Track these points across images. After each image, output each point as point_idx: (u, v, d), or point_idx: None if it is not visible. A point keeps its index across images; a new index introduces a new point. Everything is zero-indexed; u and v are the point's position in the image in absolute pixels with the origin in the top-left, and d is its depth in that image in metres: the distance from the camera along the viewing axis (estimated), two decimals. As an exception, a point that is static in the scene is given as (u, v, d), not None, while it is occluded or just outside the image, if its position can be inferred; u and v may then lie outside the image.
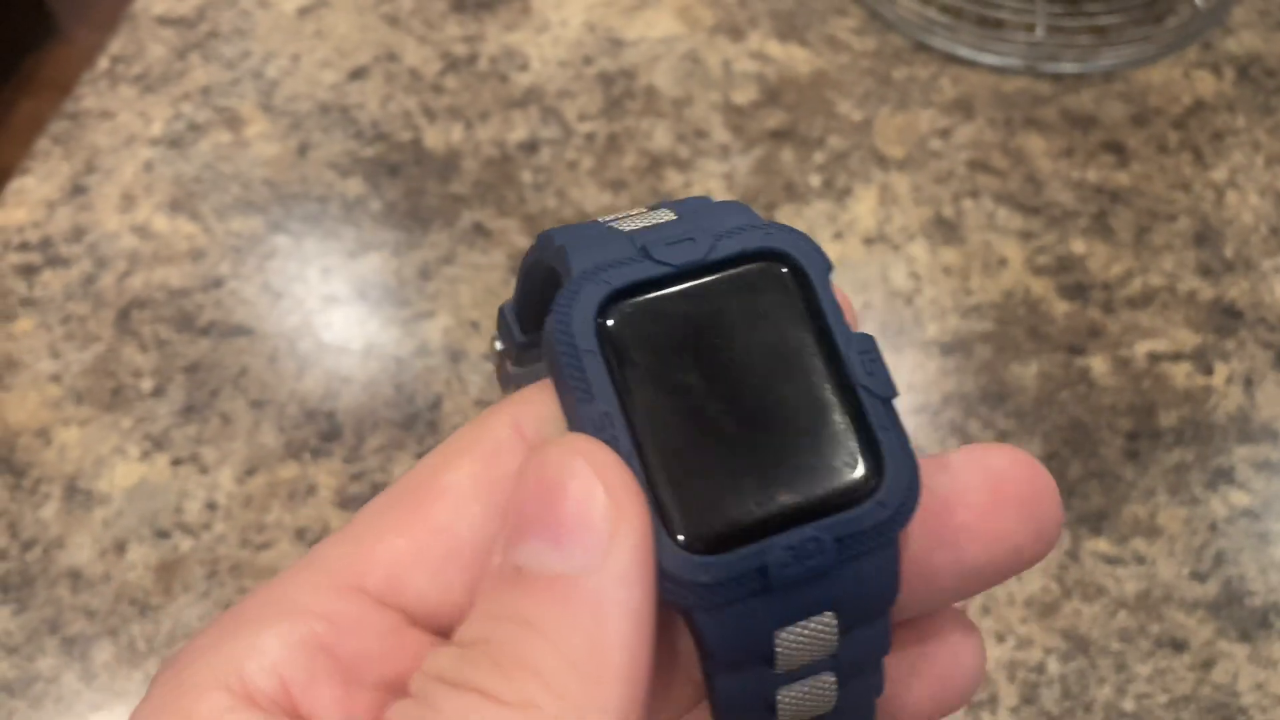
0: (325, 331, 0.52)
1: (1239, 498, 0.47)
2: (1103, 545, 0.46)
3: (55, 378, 0.51)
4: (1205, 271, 0.53)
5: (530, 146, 0.58)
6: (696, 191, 0.56)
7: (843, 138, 0.58)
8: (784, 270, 0.19)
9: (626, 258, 0.17)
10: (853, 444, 0.18)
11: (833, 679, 0.18)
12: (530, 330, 0.22)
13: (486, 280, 0.53)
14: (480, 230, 0.55)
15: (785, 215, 0.55)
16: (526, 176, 0.57)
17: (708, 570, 0.16)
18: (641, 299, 0.17)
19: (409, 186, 0.56)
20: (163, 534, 0.47)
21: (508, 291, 0.53)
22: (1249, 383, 0.50)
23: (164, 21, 0.63)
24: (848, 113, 0.59)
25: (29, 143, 0.60)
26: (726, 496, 0.17)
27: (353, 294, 0.53)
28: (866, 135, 0.58)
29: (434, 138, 0.58)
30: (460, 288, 0.53)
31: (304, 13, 0.63)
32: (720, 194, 0.56)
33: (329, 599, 0.15)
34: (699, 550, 0.16)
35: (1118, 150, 0.57)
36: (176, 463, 0.49)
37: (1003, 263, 0.54)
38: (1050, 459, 0.48)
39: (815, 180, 0.57)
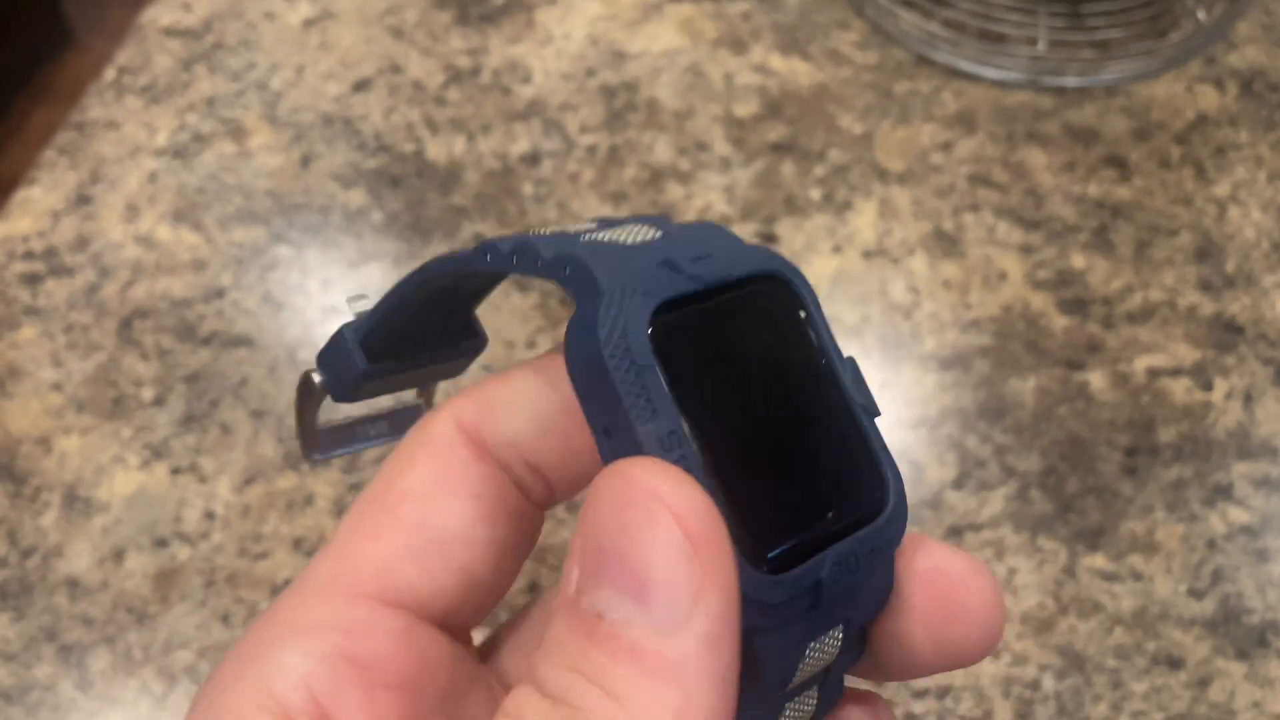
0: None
1: (1238, 514, 0.47)
2: (1100, 561, 0.46)
3: (57, 386, 0.51)
4: (1206, 287, 0.53)
5: (532, 159, 0.58)
6: (698, 205, 0.57)
7: (844, 151, 0.58)
8: (789, 291, 0.19)
9: (654, 272, 0.17)
10: (872, 462, 0.18)
11: (815, 691, 0.18)
12: (381, 359, 0.22)
13: (486, 292, 0.54)
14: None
15: (786, 228, 0.55)
16: (528, 189, 0.57)
17: (779, 589, 0.16)
18: (681, 314, 0.17)
19: (411, 198, 0.57)
20: (161, 543, 0.47)
21: (509, 305, 0.53)
22: (1249, 399, 0.50)
23: (171, 33, 0.64)
24: (849, 126, 0.59)
25: (43, 150, 0.60)
26: (783, 514, 0.17)
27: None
28: (867, 149, 0.58)
29: (436, 149, 0.58)
30: (460, 299, 0.53)
31: (309, 25, 0.63)
32: (722, 207, 0.56)
33: (339, 609, 0.16)
34: (771, 570, 0.16)
35: (1119, 165, 0.57)
36: (176, 472, 0.49)
37: (1002, 277, 0.54)
38: (1048, 474, 0.48)
39: (815, 193, 0.57)
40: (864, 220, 0.56)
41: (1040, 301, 0.53)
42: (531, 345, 0.52)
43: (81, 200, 0.57)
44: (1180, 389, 0.50)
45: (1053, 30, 0.61)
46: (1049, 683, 0.43)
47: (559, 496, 0.19)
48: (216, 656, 0.45)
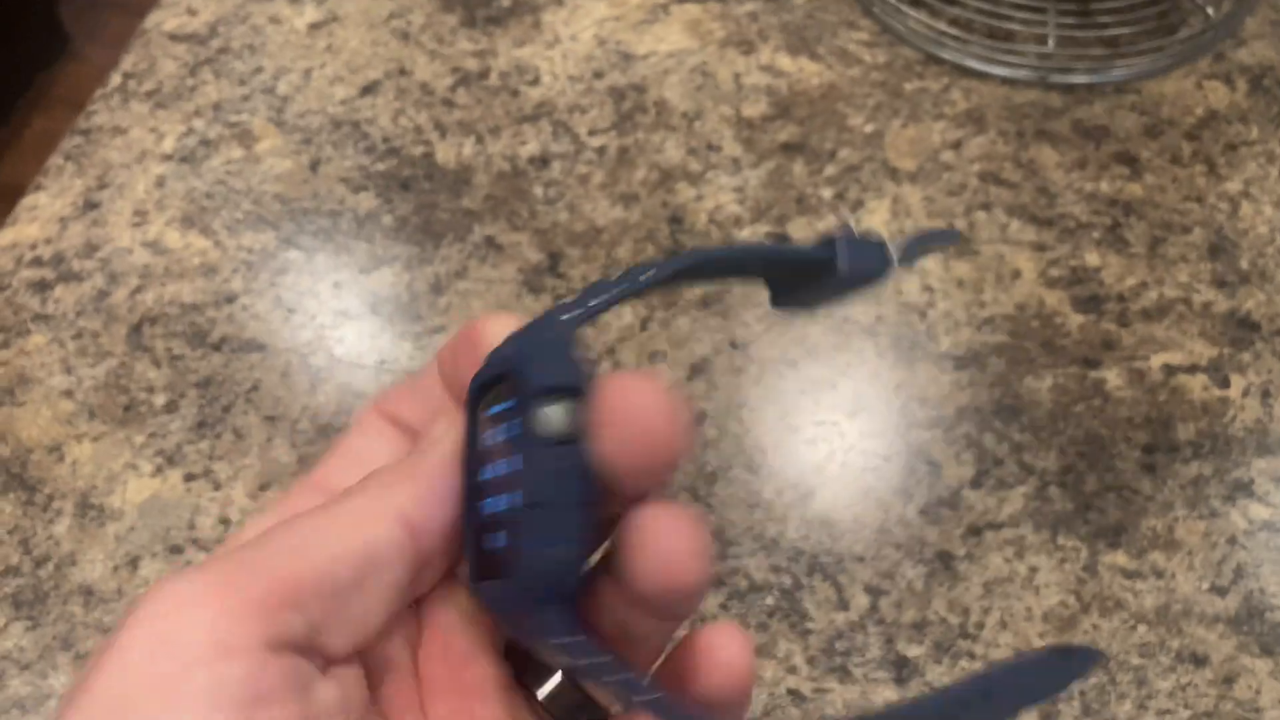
0: (338, 346, 0.52)
1: (1258, 511, 0.47)
2: (1120, 559, 0.45)
3: (68, 393, 0.51)
4: (1220, 283, 0.53)
5: (541, 161, 0.58)
6: (709, 206, 0.56)
7: (854, 150, 0.58)
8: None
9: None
10: None
11: None
12: None
13: (498, 294, 0.53)
14: (492, 244, 0.55)
15: (797, 228, 0.55)
16: (538, 191, 0.57)
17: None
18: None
19: (420, 201, 0.56)
20: (175, 549, 0.47)
21: (521, 306, 0.53)
22: (1266, 395, 0.50)
23: (176, 38, 0.63)
24: (859, 125, 0.59)
25: (42, 160, 0.60)
26: None
27: (365, 309, 0.53)
28: (878, 148, 0.58)
29: (445, 152, 0.58)
30: (472, 302, 0.53)
31: (315, 28, 0.63)
32: (733, 208, 0.56)
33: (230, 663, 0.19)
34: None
35: (1130, 162, 0.57)
36: (189, 478, 0.48)
37: (1016, 275, 0.54)
38: (1066, 472, 0.48)
39: (827, 193, 0.56)
40: (876, 219, 0.55)
41: (1054, 299, 0.53)
42: (545, 348, 0.52)
43: (89, 206, 0.57)
44: (1197, 386, 0.50)
45: (1062, 28, 0.61)
46: (1073, 681, 0.43)
47: None
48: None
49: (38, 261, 0.55)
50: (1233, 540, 0.46)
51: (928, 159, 0.58)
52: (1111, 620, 0.44)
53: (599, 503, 0.20)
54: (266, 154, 0.58)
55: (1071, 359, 0.51)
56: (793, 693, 0.43)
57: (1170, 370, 0.50)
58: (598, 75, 0.61)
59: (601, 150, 0.58)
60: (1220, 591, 0.45)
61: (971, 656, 0.43)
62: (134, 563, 0.47)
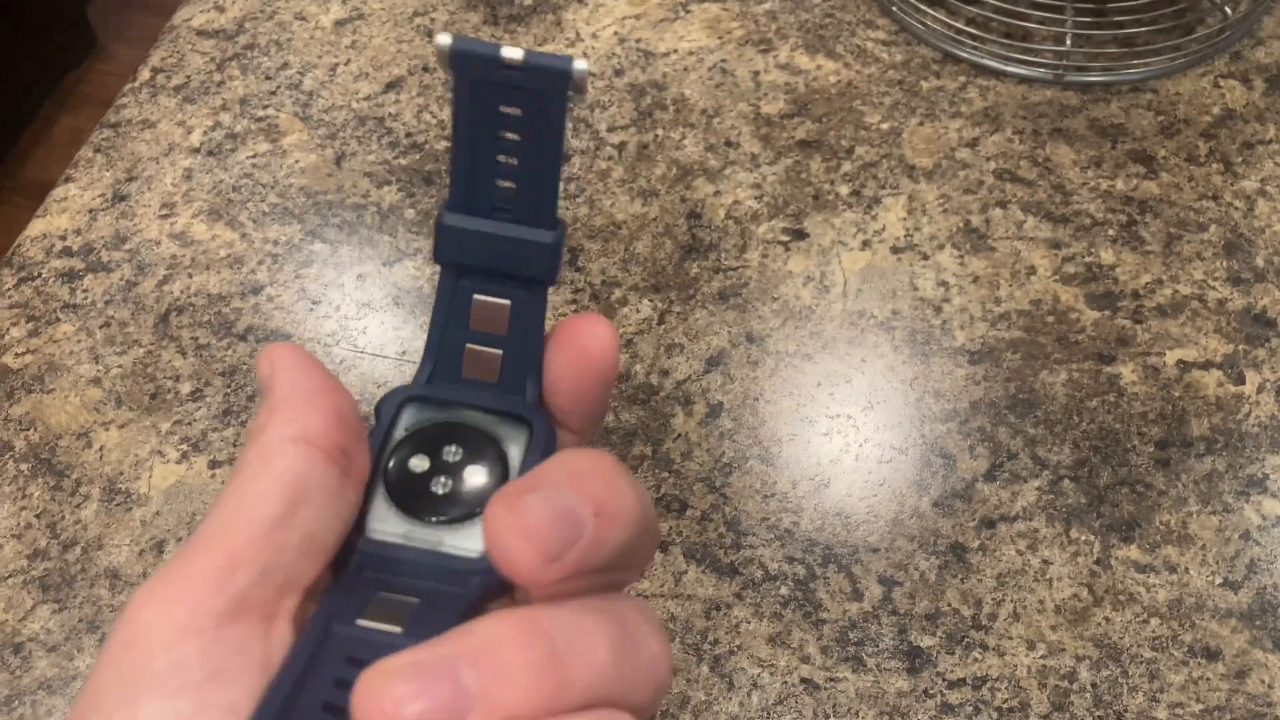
0: (361, 337, 0.53)
1: (1272, 506, 0.47)
2: (1133, 553, 0.46)
3: (95, 381, 0.52)
4: (1235, 280, 0.53)
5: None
6: (727, 201, 0.57)
7: (871, 148, 0.58)
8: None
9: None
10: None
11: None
12: None
13: (518, 287, 0.54)
14: (512, 238, 0.56)
15: (814, 224, 0.56)
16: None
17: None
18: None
19: (443, 195, 0.57)
20: (200, 535, 0.48)
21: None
22: (1281, 392, 0.50)
23: (203, 33, 0.64)
24: (876, 123, 0.59)
25: (69, 157, 0.61)
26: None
27: (388, 300, 0.54)
28: (895, 145, 0.58)
29: (467, 148, 0.59)
30: (492, 295, 0.54)
31: (340, 25, 0.64)
32: (751, 204, 0.57)
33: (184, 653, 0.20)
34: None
35: (1146, 160, 0.58)
36: (214, 465, 0.49)
37: (1031, 271, 0.54)
38: (1080, 466, 0.48)
39: (844, 189, 0.57)
40: (892, 216, 0.56)
41: (1069, 296, 0.53)
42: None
43: (118, 198, 0.58)
44: (1211, 382, 0.50)
45: (1079, 27, 0.61)
46: (1085, 673, 0.43)
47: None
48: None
49: (67, 252, 0.56)
50: (1246, 535, 0.46)
51: (944, 156, 0.58)
52: (1124, 613, 0.44)
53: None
54: (292, 148, 0.59)
55: (1086, 354, 0.51)
56: (806, 681, 0.44)
57: (1185, 366, 0.51)
58: (618, 73, 0.62)
59: (621, 146, 0.59)
60: (1233, 586, 0.45)
61: (984, 647, 0.44)
62: (159, 547, 0.48)
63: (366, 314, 0.54)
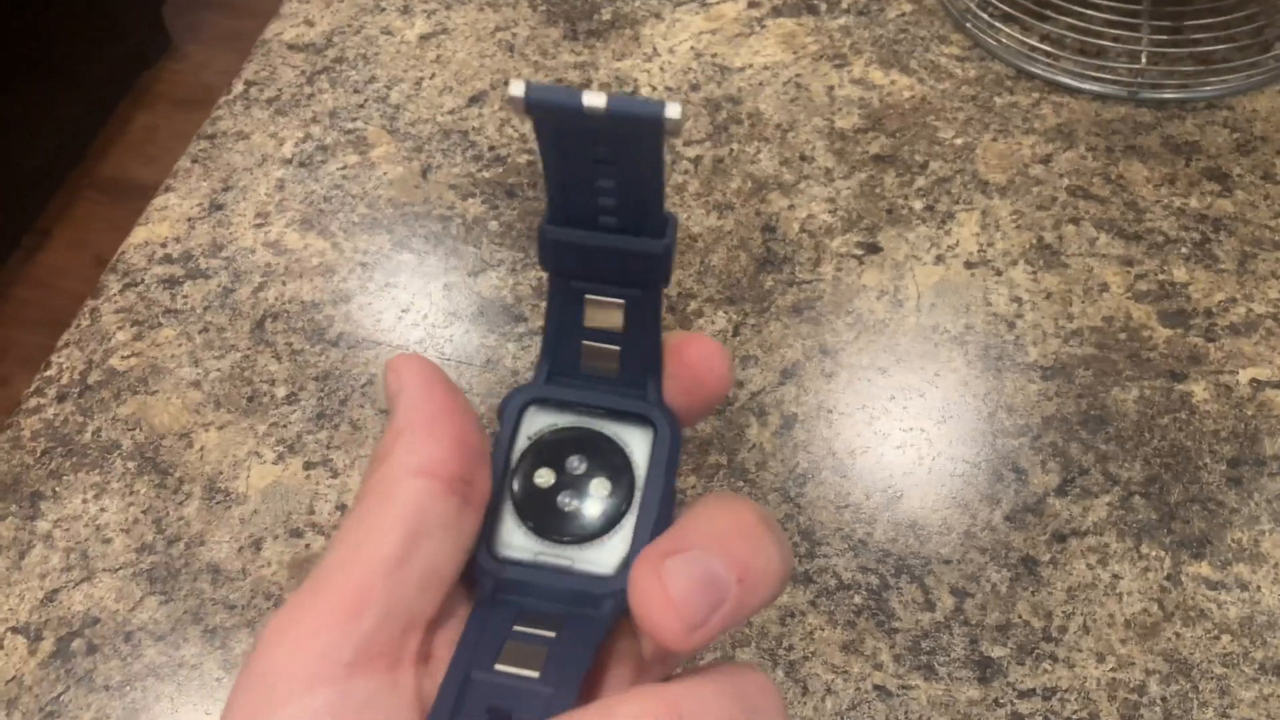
0: (447, 345, 0.55)
1: (1344, 526, 0.47)
2: (1205, 570, 0.47)
3: (196, 384, 0.55)
4: (1310, 300, 0.54)
5: (640, 169, 0.60)
6: (801, 215, 0.58)
7: (945, 163, 0.59)
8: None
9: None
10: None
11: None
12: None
13: (598, 298, 0.56)
14: (592, 250, 0.57)
15: (888, 238, 0.57)
16: (636, 198, 0.59)
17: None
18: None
19: (525, 208, 0.59)
20: (296, 533, 0.50)
21: (619, 309, 0.55)
22: (1355, 412, 0.50)
23: (294, 47, 0.67)
24: (949, 138, 0.60)
25: (145, 154, 0.64)
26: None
27: (473, 310, 0.56)
28: (968, 161, 0.59)
29: (548, 160, 0.61)
30: (573, 305, 0.55)
31: (425, 40, 0.66)
32: (825, 218, 0.58)
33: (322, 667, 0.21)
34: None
35: (1221, 178, 0.58)
36: (309, 466, 0.52)
37: (1104, 288, 0.55)
38: (1151, 483, 0.49)
39: (918, 204, 0.58)
40: (966, 231, 0.57)
41: (1141, 313, 0.54)
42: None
43: (214, 207, 0.60)
44: (1284, 401, 0.51)
45: (1155, 44, 0.62)
46: (1155, 687, 0.44)
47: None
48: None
49: (168, 259, 0.59)
50: (1318, 555, 0.47)
51: (1017, 172, 0.59)
52: (1194, 629, 0.45)
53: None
54: (380, 160, 0.61)
55: (1158, 372, 0.52)
56: (879, 689, 0.45)
57: (1258, 385, 0.51)
58: (694, 87, 0.63)
59: (697, 160, 0.60)
60: (1304, 604, 0.45)
61: (1054, 659, 0.45)
62: (257, 544, 0.50)
63: (453, 323, 0.56)
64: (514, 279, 0.56)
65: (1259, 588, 0.46)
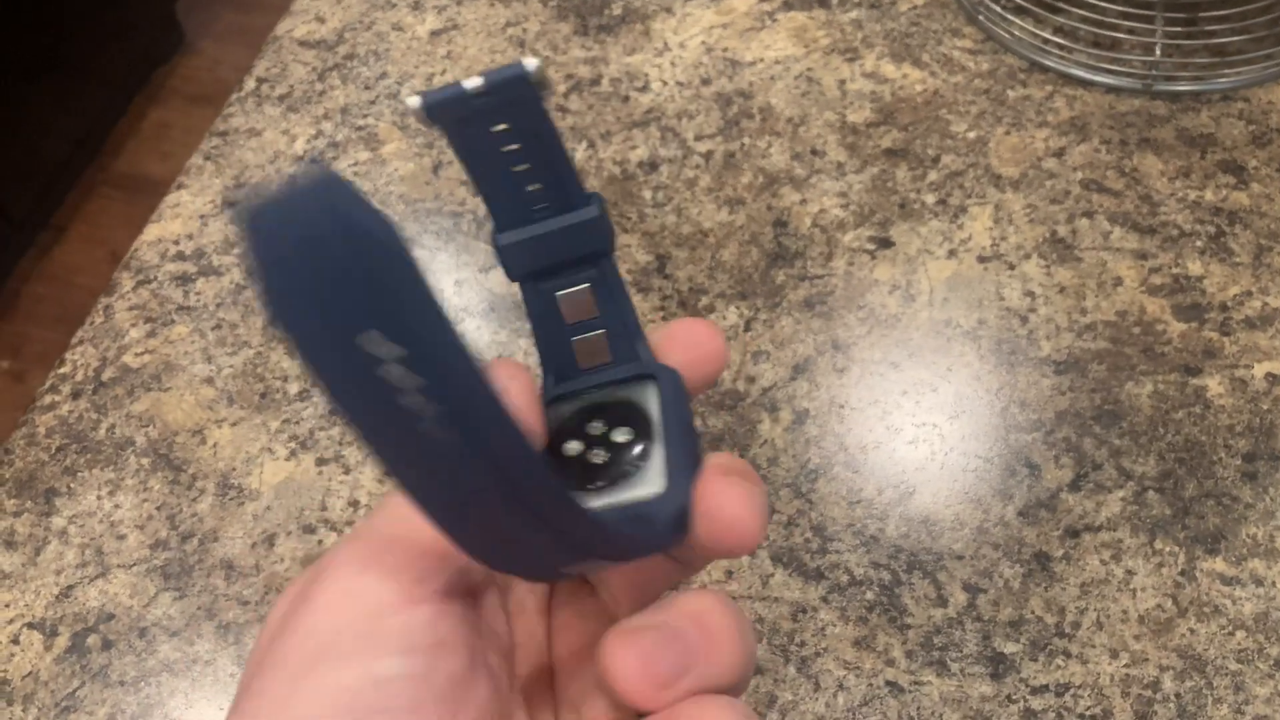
0: (458, 341, 0.55)
1: (1360, 522, 0.47)
2: (1219, 565, 0.46)
3: (209, 380, 0.55)
4: (1327, 293, 0.53)
5: (650, 165, 0.60)
6: (813, 210, 0.58)
7: (957, 157, 0.59)
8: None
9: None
10: None
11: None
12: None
13: (609, 294, 0.56)
14: (603, 245, 0.57)
15: (900, 232, 0.57)
16: (646, 194, 0.59)
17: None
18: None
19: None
20: (309, 529, 0.50)
21: (630, 305, 0.55)
22: (1372, 406, 0.50)
23: (305, 44, 0.67)
24: (962, 132, 0.60)
25: (158, 149, 0.64)
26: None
27: (484, 306, 0.56)
28: (981, 154, 0.59)
29: (559, 156, 0.61)
30: (584, 301, 0.55)
31: (436, 36, 0.66)
32: (837, 212, 0.58)
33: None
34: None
35: (1236, 171, 0.57)
36: (321, 462, 0.52)
37: (1118, 282, 0.54)
38: (1165, 478, 0.49)
39: (930, 198, 0.58)
40: (978, 225, 0.57)
41: (1156, 307, 0.53)
42: (653, 346, 0.54)
43: (227, 204, 0.61)
44: (1300, 396, 0.50)
45: (1169, 36, 0.61)
46: (1169, 683, 0.44)
47: None
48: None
49: (181, 256, 0.59)
50: (1334, 550, 0.46)
51: (1030, 166, 0.58)
52: (1209, 625, 0.45)
53: None
54: (391, 156, 0.61)
55: (1172, 366, 0.52)
56: (891, 684, 0.45)
57: (1274, 379, 0.51)
58: (705, 82, 0.63)
59: (708, 155, 0.60)
60: (1320, 600, 0.45)
61: (1067, 655, 0.45)
62: (270, 540, 0.50)
63: (464, 319, 0.56)
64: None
65: (1274, 583, 0.46)
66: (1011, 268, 0.55)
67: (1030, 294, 0.54)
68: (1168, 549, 0.47)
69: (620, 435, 0.24)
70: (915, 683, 0.45)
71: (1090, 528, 0.48)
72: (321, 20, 0.67)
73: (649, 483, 0.22)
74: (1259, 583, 0.46)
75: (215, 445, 0.53)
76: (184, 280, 0.58)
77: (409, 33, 0.66)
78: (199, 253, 0.59)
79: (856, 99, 0.62)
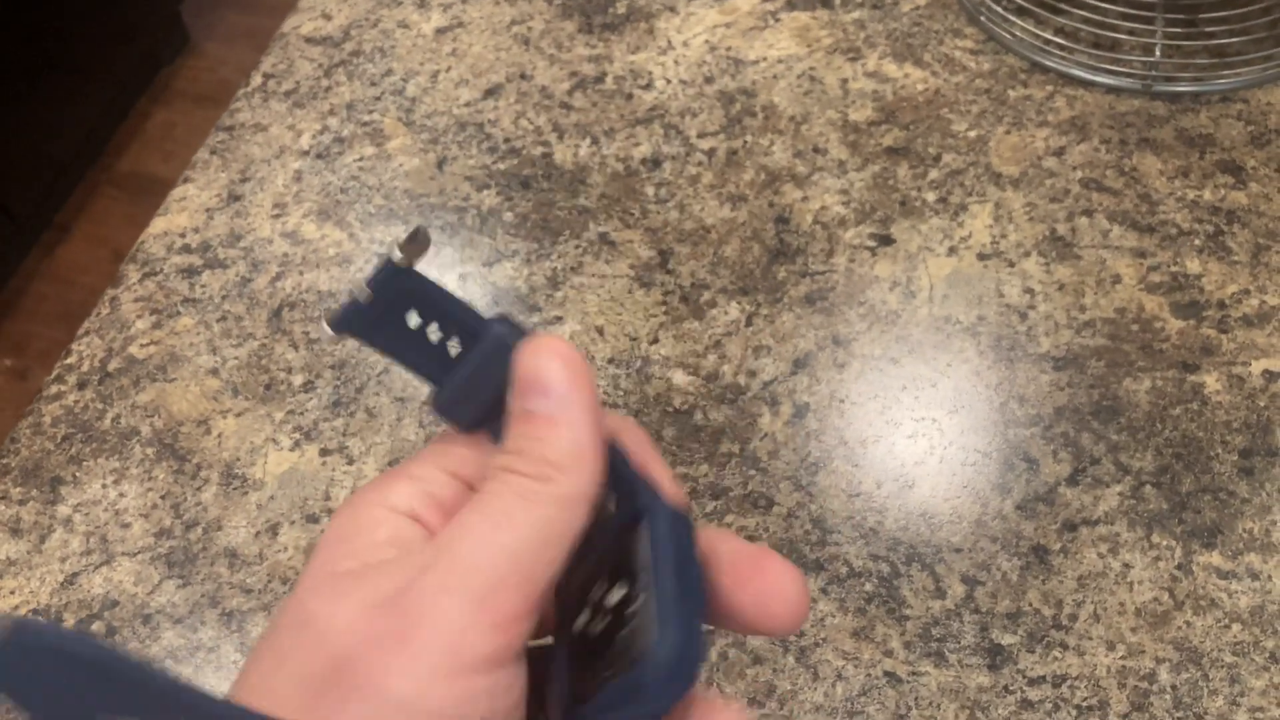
0: (461, 334, 0.55)
1: (1356, 517, 0.47)
2: (1215, 559, 0.47)
3: (214, 371, 0.55)
4: (1324, 292, 0.54)
5: (654, 162, 0.60)
6: (814, 207, 0.58)
7: (958, 155, 0.59)
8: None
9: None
10: None
11: None
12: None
13: (611, 289, 0.56)
14: (606, 241, 0.58)
15: (901, 230, 0.57)
16: (650, 191, 0.59)
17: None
18: None
19: (539, 199, 0.59)
20: (312, 518, 0.51)
21: (632, 300, 0.56)
22: (1368, 403, 0.50)
23: (311, 40, 0.67)
24: (963, 131, 0.60)
25: (164, 150, 0.64)
26: None
27: (488, 300, 0.56)
28: (981, 153, 0.59)
29: (563, 153, 0.61)
30: (587, 295, 0.56)
31: (441, 33, 0.66)
32: (838, 209, 0.58)
33: (430, 473, 0.25)
34: None
35: (1235, 170, 0.58)
36: (325, 453, 0.52)
37: (1116, 280, 0.55)
38: (1162, 473, 0.49)
39: (931, 196, 0.58)
40: (979, 223, 0.57)
41: (1154, 304, 0.54)
42: (654, 341, 0.54)
43: (233, 198, 0.61)
44: (1297, 392, 0.51)
45: (1169, 37, 0.62)
46: (1165, 675, 0.44)
47: None
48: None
49: (186, 249, 0.59)
50: (1329, 545, 0.47)
51: (1030, 165, 0.59)
52: (1205, 618, 0.45)
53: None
54: (396, 152, 0.62)
55: (1170, 363, 0.52)
56: (889, 675, 0.45)
57: (1271, 376, 0.51)
58: (708, 80, 0.63)
59: (711, 152, 0.61)
60: (1315, 594, 0.45)
61: (1064, 647, 0.45)
62: (274, 529, 0.51)
63: (467, 312, 0.56)
64: (528, 270, 0.57)
65: (1270, 577, 0.46)
66: (1011, 265, 0.55)
67: (1030, 291, 0.55)
68: (1164, 543, 0.47)
69: (614, 596, 0.24)
70: (913, 673, 0.45)
71: (1088, 521, 0.48)
72: (328, 17, 0.68)
73: (639, 643, 0.23)
74: (1255, 576, 0.46)
75: (220, 435, 0.53)
76: (190, 273, 0.59)
77: (414, 30, 0.67)
78: (204, 245, 0.59)
79: (858, 98, 0.62)
